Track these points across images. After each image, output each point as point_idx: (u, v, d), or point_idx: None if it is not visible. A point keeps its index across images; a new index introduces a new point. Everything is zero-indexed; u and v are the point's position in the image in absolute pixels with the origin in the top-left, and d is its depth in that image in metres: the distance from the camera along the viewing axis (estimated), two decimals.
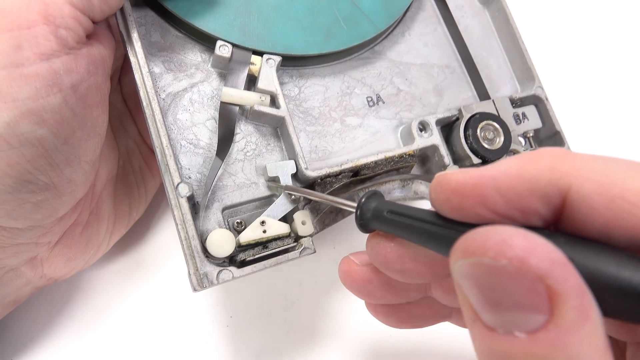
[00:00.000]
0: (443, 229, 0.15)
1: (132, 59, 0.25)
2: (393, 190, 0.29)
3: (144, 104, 0.25)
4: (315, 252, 0.25)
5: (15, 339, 0.33)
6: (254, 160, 0.27)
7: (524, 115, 0.31)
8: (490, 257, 0.12)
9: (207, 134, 0.26)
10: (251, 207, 0.26)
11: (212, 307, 0.35)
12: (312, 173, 0.25)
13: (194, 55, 0.27)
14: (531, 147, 0.32)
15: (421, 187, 0.30)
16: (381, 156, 0.27)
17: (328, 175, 0.26)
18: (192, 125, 0.26)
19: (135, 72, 0.25)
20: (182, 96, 0.27)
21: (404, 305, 0.22)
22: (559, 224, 0.15)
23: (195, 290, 0.23)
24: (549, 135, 0.32)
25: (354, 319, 0.36)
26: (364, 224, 0.19)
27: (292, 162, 0.26)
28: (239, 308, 0.35)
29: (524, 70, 0.33)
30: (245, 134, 0.27)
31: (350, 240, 0.38)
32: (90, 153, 0.25)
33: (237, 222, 0.26)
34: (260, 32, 0.27)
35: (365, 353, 0.36)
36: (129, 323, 0.34)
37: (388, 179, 0.29)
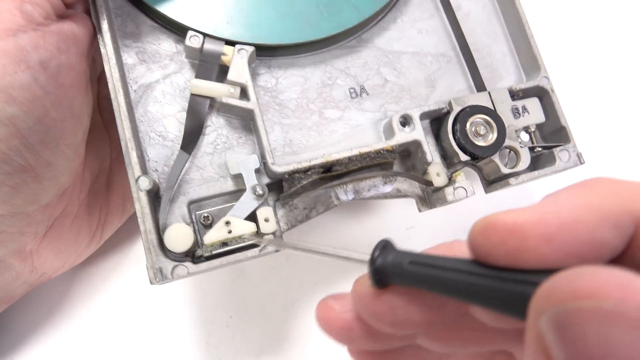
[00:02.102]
0: (490, 280, 0.14)
1: (102, 49, 0.25)
2: (373, 188, 0.28)
3: (112, 95, 0.25)
4: (278, 250, 0.25)
5: (14, 339, 0.34)
6: (224, 154, 0.26)
7: (524, 108, 0.28)
8: (613, 301, 0.10)
9: (177, 126, 0.26)
10: (220, 201, 0.26)
11: (212, 308, 0.35)
12: (278, 168, 0.25)
13: (169, 46, 0.27)
14: (532, 143, 0.29)
15: (404, 185, 0.28)
16: (355, 152, 0.26)
17: (296, 171, 0.25)
18: (162, 117, 0.26)
19: (104, 63, 0.25)
20: (154, 88, 0.26)
21: (389, 354, 0.20)
22: (626, 254, 0.13)
23: (152, 283, 0.23)
24: (553, 131, 0.29)
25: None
26: (381, 280, 0.17)
27: (254, 156, 0.25)
28: (239, 308, 0.36)
29: (529, 58, 0.30)
30: (216, 126, 0.26)
31: (350, 241, 0.38)
32: (68, 136, 0.25)
33: (205, 216, 0.25)
34: (233, 21, 0.26)
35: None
36: (128, 322, 0.35)
37: (368, 175, 0.27)
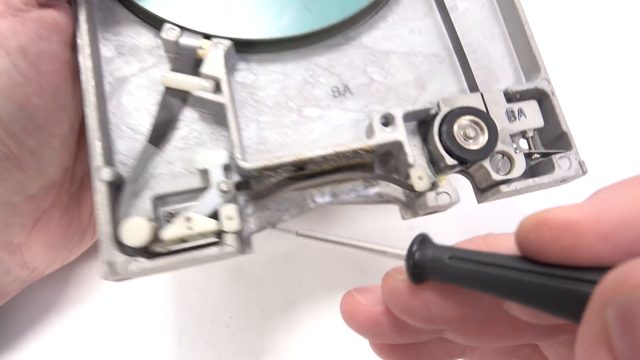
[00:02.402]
0: (539, 276, 0.13)
1: (78, 40, 0.25)
2: (352, 191, 0.26)
3: (83, 86, 0.24)
4: (242, 252, 0.23)
5: (13, 336, 0.34)
6: (196, 149, 0.25)
7: (520, 111, 0.26)
8: None
9: (149, 120, 0.25)
10: (187, 198, 0.25)
11: (213, 308, 0.35)
12: (245, 164, 0.23)
13: (149, 40, 0.27)
14: (530, 149, 0.27)
15: (387, 189, 0.26)
16: (330, 150, 0.24)
17: (266, 168, 0.24)
18: (135, 110, 0.25)
19: (79, 53, 0.25)
20: (129, 81, 0.26)
21: (414, 346, 0.20)
22: None
23: (104, 279, 0.22)
24: (555, 137, 0.27)
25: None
26: (418, 274, 0.16)
27: (223, 151, 0.24)
28: (239, 308, 0.35)
29: (529, 59, 0.28)
30: (189, 121, 0.26)
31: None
32: (53, 126, 0.25)
33: (170, 213, 0.24)
34: (213, 15, 0.26)
35: (366, 353, 0.34)
36: (126, 321, 0.34)
37: (344, 177, 0.25)
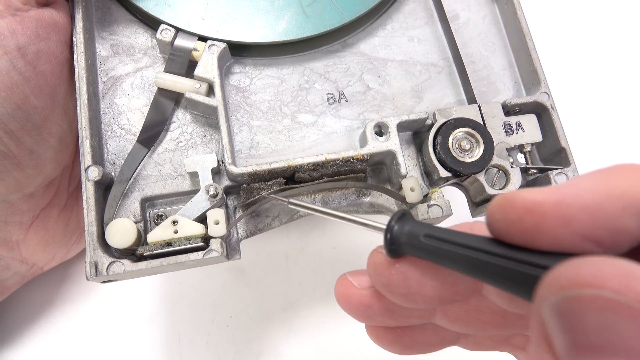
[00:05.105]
0: (502, 260, 0.13)
1: (74, 38, 0.25)
2: (344, 200, 0.26)
3: (76, 85, 0.24)
4: (228, 258, 0.23)
5: (12, 333, 0.34)
6: (187, 152, 0.25)
7: (518, 125, 0.26)
8: (613, 290, 0.10)
9: (141, 120, 0.25)
10: (177, 201, 0.25)
11: (213, 308, 0.35)
12: (235, 169, 0.23)
13: (144, 40, 0.27)
14: (527, 164, 0.26)
15: (380, 200, 0.26)
16: (321, 158, 0.24)
17: (255, 174, 0.23)
18: (127, 110, 0.25)
19: (74, 51, 0.25)
20: (123, 80, 0.26)
21: (408, 332, 0.20)
22: None
23: (87, 278, 0.22)
24: (552, 152, 0.26)
25: (354, 319, 0.34)
26: (394, 250, 0.16)
27: (213, 155, 0.24)
28: (239, 308, 0.35)
29: (529, 72, 0.27)
30: (181, 123, 0.25)
31: (350, 240, 0.37)
32: (52, 125, 0.24)
33: (159, 215, 0.24)
34: (209, 17, 0.26)
35: (365, 353, 0.35)
36: (127, 321, 0.34)
37: (336, 185, 0.25)
